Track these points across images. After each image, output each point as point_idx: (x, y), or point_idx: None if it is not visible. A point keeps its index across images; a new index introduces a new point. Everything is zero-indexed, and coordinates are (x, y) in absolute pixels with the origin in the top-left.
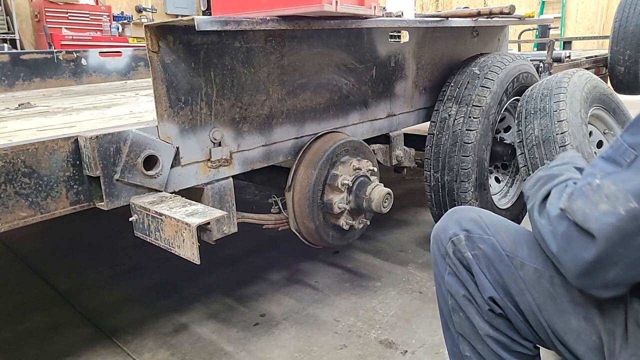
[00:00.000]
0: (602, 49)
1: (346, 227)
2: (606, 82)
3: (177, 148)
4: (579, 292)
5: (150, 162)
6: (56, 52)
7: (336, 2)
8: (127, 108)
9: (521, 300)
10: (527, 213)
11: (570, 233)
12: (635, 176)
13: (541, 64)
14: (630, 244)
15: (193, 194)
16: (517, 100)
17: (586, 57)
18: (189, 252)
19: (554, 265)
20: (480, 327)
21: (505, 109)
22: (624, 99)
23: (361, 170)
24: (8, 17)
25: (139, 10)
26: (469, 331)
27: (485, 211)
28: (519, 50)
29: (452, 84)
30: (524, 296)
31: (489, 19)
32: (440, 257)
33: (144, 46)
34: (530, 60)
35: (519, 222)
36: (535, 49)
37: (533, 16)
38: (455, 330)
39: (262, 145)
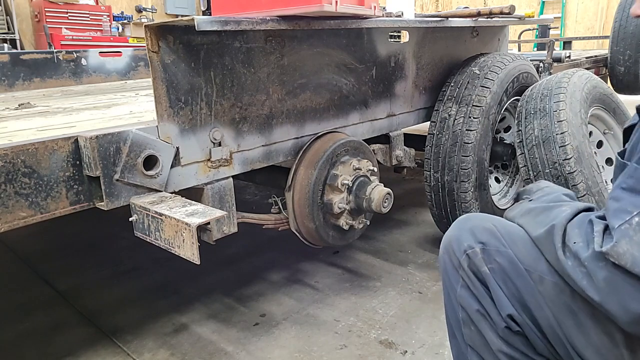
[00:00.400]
0: (602, 49)
1: (346, 227)
2: (606, 82)
3: (177, 148)
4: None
5: (150, 162)
6: (56, 52)
7: (336, 2)
8: (127, 108)
9: (540, 315)
10: None
11: (616, 279)
12: None
13: (541, 64)
14: None
15: (193, 194)
16: (517, 100)
17: (586, 57)
18: (189, 252)
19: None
20: (493, 343)
21: (505, 109)
22: (624, 99)
23: (361, 170)
24: (8, 17)
25: (139, 10)
26: (480, 345)
27: (499, 219)
28: (519, 50)
29: (452, 84)
30: (543, 311)
31: (489, 19)
32: (453, 269)
33: (144, 46)
34: (530, 60)
35: None
36: (535, 49)
37: (533, 16)
38: (465, 341)
39: (262, 145)
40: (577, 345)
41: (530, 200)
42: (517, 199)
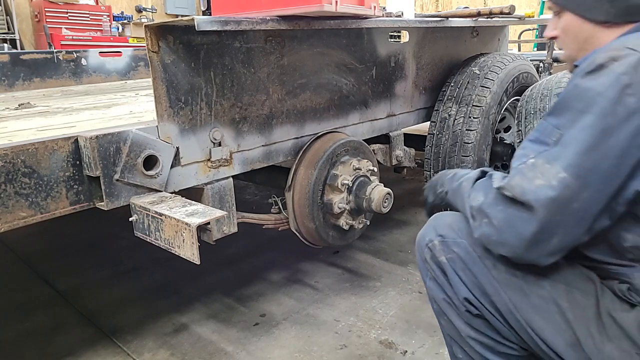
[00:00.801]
0: None
1: (346, 227)
2: None
3: (177, 148)
4: (550, 287)
5: (150, 162)
6: (56, 52)
7: (336, 2)
8: (127, 108)
9: (498, 300)
10: None
11: (511, 213)
12: (562, 151)
13: (541, 64)
14: (566, 210)
15: (193, 194)
16: (517, 100)
17: None
18: (189, 252)
19: (526, 263)
20: (461, 329)
21: (505, 109)
22: None
23: (361, 170)
24: (8, 17)
25: (139, 10)
26: (454, 334)
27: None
28: (519, 50)
29: (452, 84)
30: (500, 296)
31: (489, 19)
32: (422, 264)
33: (144, 46)
34: (530, 60)
35: None
36: (535, 49)
37: (533, 16)
38: (446, 333)
39: (262, 145)
40: (535, 327)
41: (447, 193)
42: (431, 202)
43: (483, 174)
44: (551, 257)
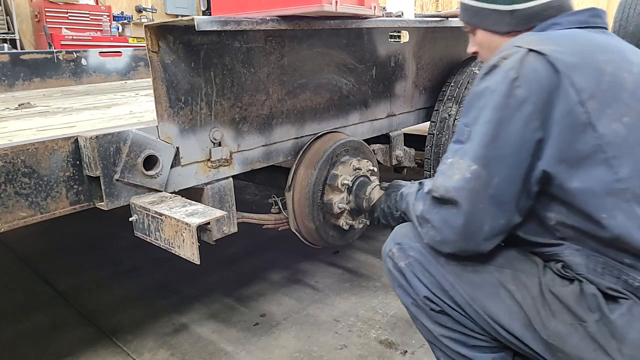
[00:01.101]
0: None
1: (346, 227)
2: None
3: (177, 148)
4: (497, 273)
5: (150, 162)
6: (56, 52)
7: (336, 2)
8: (127, 108)
9: (455, 294)
10: None
11: (443, 213)
12: (471, 145)
13: None
14: (484, 198)
15: (193, 194)
16: None
17: None
18: (189, 252)
19: (475, 256)
20: (432, 330)
21: None
22: None
23: (361, 170)
24: (8, 17)
25: (139, 10)
26: (429, 336)
27: None
28: None
29: (452, 84)
30: (456, 290)
31: None
32: (389, 274)
33: (144, 46)
34: None
35: None
36: None
37: None
38: (425, 338)
39: (262, 145)
40: (491, 314)
41: (404, 213)
42: (395, 226)
43: (421, 185)
44: (489, 242)
